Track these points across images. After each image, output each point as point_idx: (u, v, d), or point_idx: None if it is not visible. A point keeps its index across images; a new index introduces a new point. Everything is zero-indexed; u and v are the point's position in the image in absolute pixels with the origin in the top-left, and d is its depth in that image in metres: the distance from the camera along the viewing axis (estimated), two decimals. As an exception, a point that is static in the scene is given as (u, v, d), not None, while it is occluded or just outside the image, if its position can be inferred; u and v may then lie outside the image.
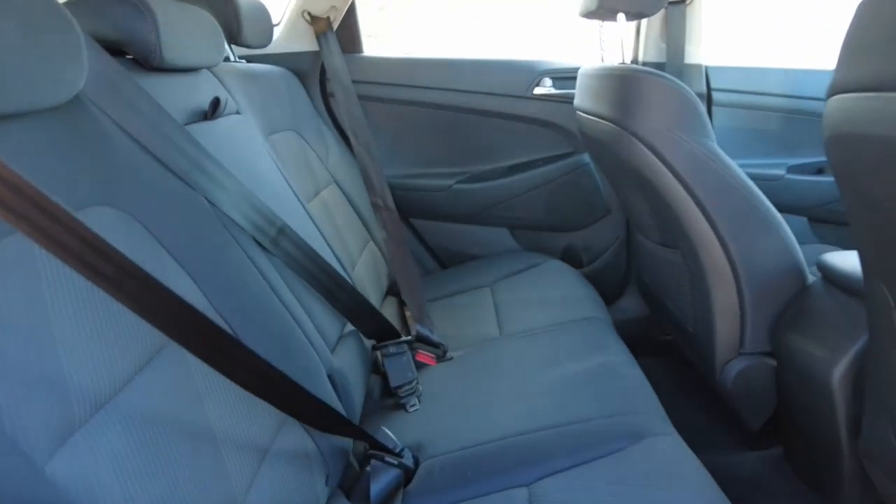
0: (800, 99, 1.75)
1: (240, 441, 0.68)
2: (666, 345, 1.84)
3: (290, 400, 0.71)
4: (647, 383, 1.02)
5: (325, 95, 1.73)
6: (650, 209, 1.29)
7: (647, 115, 1.11)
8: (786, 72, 1.80)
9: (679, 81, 1.11)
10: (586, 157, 1.74)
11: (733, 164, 1.12)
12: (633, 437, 0.87)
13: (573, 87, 1.49)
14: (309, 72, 1.70)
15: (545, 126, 1.74)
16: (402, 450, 0.91)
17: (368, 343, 1.13)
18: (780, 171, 1.71)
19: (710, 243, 1.14)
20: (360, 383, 1.03)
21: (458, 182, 1.78)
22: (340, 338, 1.02)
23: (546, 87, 1.70)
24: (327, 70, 1.49)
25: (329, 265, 1.00)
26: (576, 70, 1.41)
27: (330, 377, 0.89)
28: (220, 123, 0.98)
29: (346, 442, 0.87)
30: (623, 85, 1.13)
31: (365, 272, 1.41)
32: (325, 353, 0.90)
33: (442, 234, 1.86)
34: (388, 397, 1.12)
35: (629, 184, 1.30)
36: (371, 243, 1.55)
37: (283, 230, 0.91)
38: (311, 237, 1.08)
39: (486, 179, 1.78)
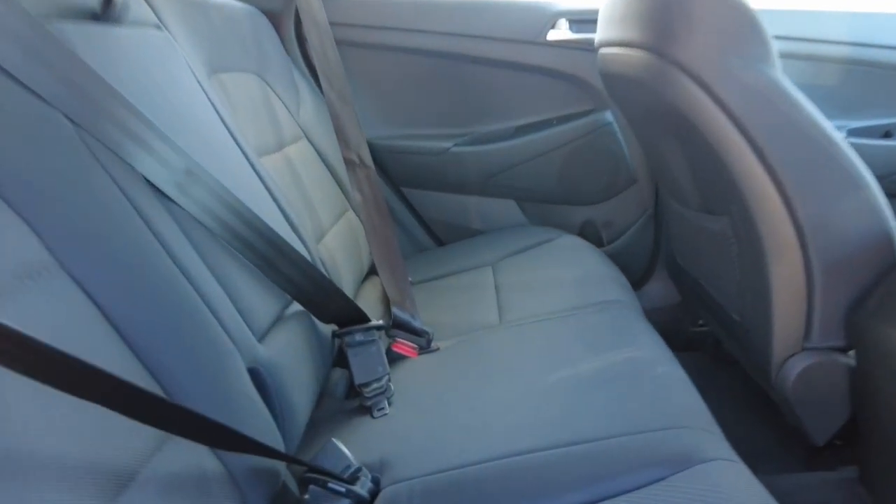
0: (864, 47, 1.47)
1: (88, 464, 0.44)
2: (700, 337, 1.57)
3: (157, 410, 0.47)
4: (691, 387, 0.77)
5: (302, 41, 1.48)
6: (690, 166, 1.02)
7: (692, 36, 0.85)
8: (846, 15, 1.52)
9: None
10: (609, 116, 1.48)
11: (805, 100, 0.86)
12: (677, 461, 0.62)
13: (594, 32, 1.23)
14: (282, 14, 1.45)
15: (561, 78, 1.47)
16: (357, 471, 0.67)
17: (327, 329, 0.89)
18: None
19: (771, 205, 0.88)
20: (307, 379, 0.78)
21: (456, 144, 1.52)
22: (278, 320, 0.77)
23: (562, 32, 1.43)
24: (299, 7, 1.25)
25: (268, 229, 0.75)
26: (597, 12, 1.15)
27: (253, 371, 0.65)
28: (122, 32, 0.73)
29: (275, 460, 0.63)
30: (657, 3, 0.87)
31: (338, 244, 1.16)
32: (245, 341, 0.66)
33: (438, 206, 1.61)
34: (354, 397, 0.87)
35: (665, 135, 1.04)
36: (350, 213, 1.31)
37: (193, 173, 0.66)
38: (254, 196, 0.84)
39: (490, 142, 1.52)
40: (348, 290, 1.13)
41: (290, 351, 0.75)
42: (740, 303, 1.05)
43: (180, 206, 0.65)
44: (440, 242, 1.64)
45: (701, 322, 1.59)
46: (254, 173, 0.89)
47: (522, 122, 1.53)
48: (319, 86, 1.44)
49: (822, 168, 0.87)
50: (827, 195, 0.88)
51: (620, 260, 1.58)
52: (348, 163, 1.11)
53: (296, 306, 0.81)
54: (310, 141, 1.28)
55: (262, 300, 0.74)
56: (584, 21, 1.43)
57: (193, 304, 0.61)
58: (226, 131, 0.88)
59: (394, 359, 0.95)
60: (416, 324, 0.98)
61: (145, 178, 0.62)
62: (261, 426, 0.63)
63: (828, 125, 0.86)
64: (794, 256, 0.90)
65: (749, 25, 0.84)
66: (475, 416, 0.77)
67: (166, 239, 0.62)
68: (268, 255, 0.74)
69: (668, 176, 1.18)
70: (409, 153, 1.54)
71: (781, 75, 0.86)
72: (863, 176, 0.87)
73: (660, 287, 1.61)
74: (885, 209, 0.88)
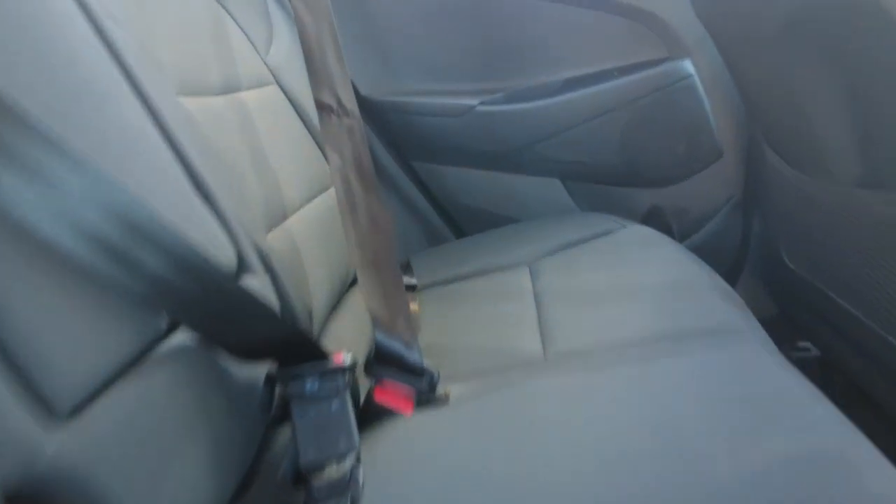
0: None
1: None
2: (804, 364, 1.19)
3: None
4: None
5: None
6: (862, 114, 0.64)
7: None
8: None
9: None
10: (689, 65, 1.09)
11: None
12: None
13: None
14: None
15: (624, 14, 1.09)
16: None
17: (255, 372, 0.53)
18: None
19: None
20: (195, 465, 0.43)
21: (484, 103, 1.16)
22: (142, 357, 0.42)
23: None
24: None
25: (128, 199, 0.40)
26: None
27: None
28: None
29: None
30: None
31: (308, 232, 0.81)
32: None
33: (459, 185, 1.24)
34: (300, 484, 0.52)
35: (818, 60, 0.66)
36: None
37: None
38: (132, 149, 0.49)
39: (528, 99, 1.15)
40: (321, 300, 0.78)
41: (145, 420, 0.39)
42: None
43: None
44: (462, 233, 1.28)
45: (801, 344, 1.20)
46: (144, 112, 0.53)
47: (571, 74, 1.15)
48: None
49: None
50: None
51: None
52: (322, 108, 0.74)
53: (182, 335, 0.46)
54: (282, 88, 0.93)
55: (88, 326, 0.38)
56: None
57: None
58: (98, 43, 0.53)
59: (375, 416, 0.59)
60: (412, 357, 0.61)
61: None
62: None
63: None
64: None
65: None
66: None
67: None
68: (112, 237, 0.39)
69: (799, 136, 0.80)
70: (420, 114, 1.18)
71: None
72: None
73: (746, 296, 1.23)
74: None
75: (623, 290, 0.78)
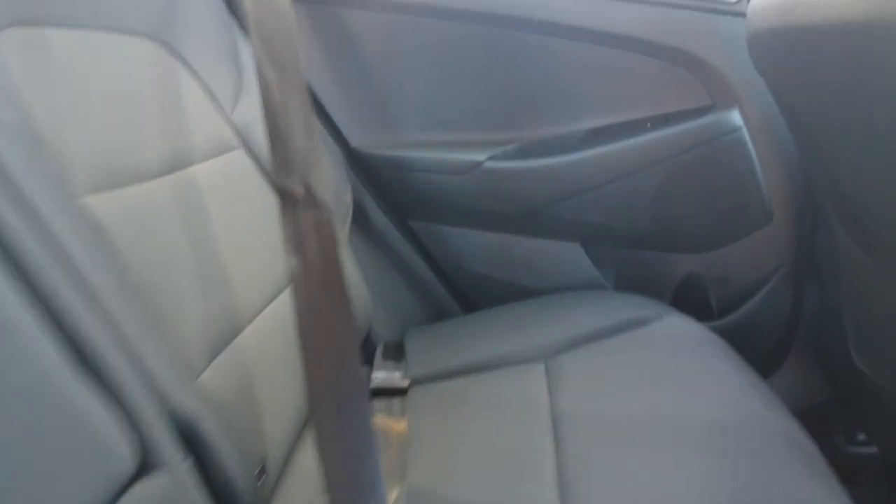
0: None
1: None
2: (863, 462, 1.02)
3: None
4: None
5: None
6: None
7: None
8: None
9: None
10: (736, 117, 0.93)
11: None
12: None
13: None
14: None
15: (661, 55, 0.93)
16: None
17: None
18: None
19: None
20: None
21: (494, 157, 0.99)
22: None
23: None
24: None
25: None
26: None
27: None
28: None
29: None
30: None
31: (274, 343, 0.65)
32: None
33: (466, 249, 1.08)
34: None
35: None
36: None
37: None
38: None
39: (545, 154, 0.98)
40: (281, 435, 0.62)
41: None
42: None
43: None
44: (469, 305, 1.11)
45: (860, 437, 1.03)
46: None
47: (596, 123, 0.99)
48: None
49: None
50: None
51: (738, 339, 1.04)
52: (283, 197, 0.58)
53: None
54: (250, 151, 0.77)
55: None
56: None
57: None
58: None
59: None
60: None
61: None
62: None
63: None
64: None
65: None
66: None
67: None
68: None
69: (870, 214, 0.63)
70: (420, 170, 1.02)
71: None
72: None
73: (794, 379, 1.06)
74: None
75: (664, 422, 0.62)
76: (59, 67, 0.53)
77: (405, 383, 0.81)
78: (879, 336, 0.78)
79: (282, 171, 0.59)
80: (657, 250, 1.04)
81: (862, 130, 0.56)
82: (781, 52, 0.64)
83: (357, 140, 1.02)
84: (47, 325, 0.37)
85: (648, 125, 0.95)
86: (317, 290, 0.55)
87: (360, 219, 1.03)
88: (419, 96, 1.00)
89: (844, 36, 0.48)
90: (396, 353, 0.91)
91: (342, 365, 0.53)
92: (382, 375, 0.83)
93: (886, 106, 0.48)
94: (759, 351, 1.06)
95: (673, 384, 0.70)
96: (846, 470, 0.99)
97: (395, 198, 1.05)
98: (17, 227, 0.39)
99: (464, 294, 1.10)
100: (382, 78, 1.00)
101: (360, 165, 1.03)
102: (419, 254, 1.08)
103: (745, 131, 0.93)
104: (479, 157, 0.99)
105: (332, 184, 0.90)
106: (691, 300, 1.04)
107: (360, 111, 1.02)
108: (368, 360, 0.90)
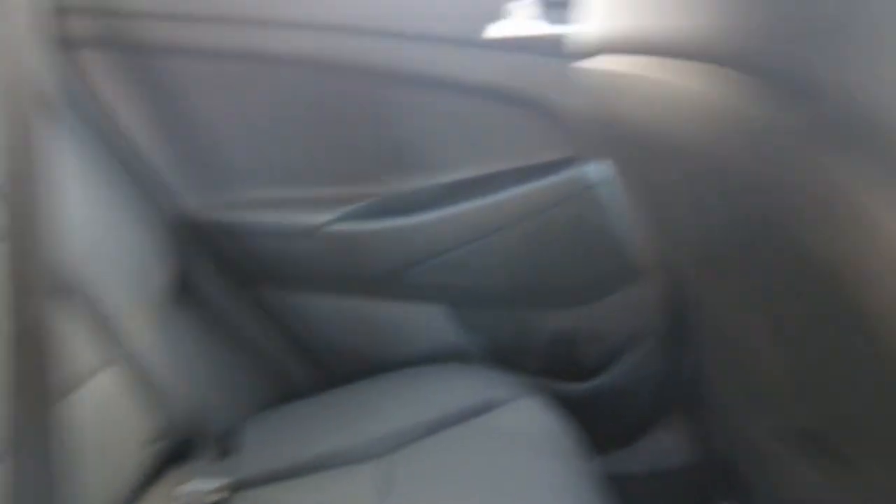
0: None
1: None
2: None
3: None
4: None
5: None
6: (813, 350, 0.42)
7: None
8: None
9: None
10: (596, 171, 0.87)
11: None
12: None
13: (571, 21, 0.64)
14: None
15: (515, 104, 0.85)
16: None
17: None
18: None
19: None
20: None
21: (342, 218, 0.88)
22: None
23: (518, 23, 0.82)
24: None
25: None
26: None
27: None
28: None
29: None
30: None
31: None
32: None
33: (321, 318, 0.97)
34: None
35: (763, 278, 0.43)
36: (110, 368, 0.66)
37: None
38: None
39: (399, 212, 0.89)
40: None
41: None
42: None
43: None
44: (329, 383, 0.99)
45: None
46: None
47: (456, 177, 0.90)
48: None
49: None
50: None
51: (613, 398, 1.00)
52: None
53: None
54: None
55: None
56: (553, 4, 0.82)
57: None
58: None
59: None
60: None
61: None
62: None
63: None
64: None
65: None
66: None
67: None
68: None
69: (726, 328, 0.58)
70: (260, 234, 0.89)
71: None
72: None
73: (670, 440, 1.02)
74: None
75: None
76: None
77: (219, 497, 0.69)
78: (748, 394, 0.74)
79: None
80: (526, 309, 0.97)
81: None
82: (610, 122, 0.58)
83: (190, 203, 0.89)
84: None
85: (510, 179, 0.88)
86: None
87: (189, 292, 0.89)
88: (258, 152, 0.89)
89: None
90: (228, 449, 0.79)
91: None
92: (195, 488, 0.70)
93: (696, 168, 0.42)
94: (635, 408, 1.01)
95: (500, 488, 0.63)
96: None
97: (231, 266, 0.92)
98: None
99: (316, 369, 0.99)
100: (216, 133, 0.88)
101: (193, 231, 0.89)
102: (267, 327, 0.95)
103: (606, 185, 0.87)
104: (327, 216, 0.88)
105: (140, 259, 0.77)
106: (562, 360, 0.98)
107: (193, 171, 0.89)
108: (193, 460, 0.77)
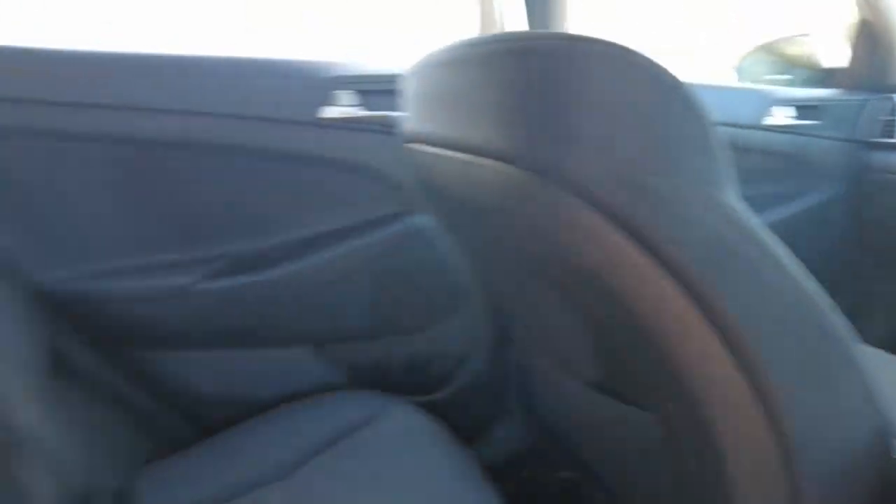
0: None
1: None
2: (572, 486, 1.22)
3: None
4: None
5: None
6: (587, 331, 0.64)
7: (601, 140, 0.46)
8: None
9: (653, 58, 0.47)
10: (419, 222, 1.07)
11: (772, 236, 0.53)
12: None
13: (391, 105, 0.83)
14: None
15: (349, 171, 1.03)
16: None
17: None
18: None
19: (737, 397, 0.54)
20: None
21: (204, 278, 1.00)
22: None
23: (346, 107, 1.00)
24: None
25: None
26: (393, 79, 0.75)
27: None
28: None
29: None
30: (533, 73, 0.47)
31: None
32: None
33: (188, 373, 1.05)
34: None
35: (542, 285, 0.64)
36: None
37: None
38: None
39: (259, 268, 1.02)
40: None
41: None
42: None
43: None
44: (209, 431, 1.08)
45: (563, 475, 1.24)
46: None
47: (303, 234, 1.05)
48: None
49: (813, 344, 0.53)
50: (819, 381, 0.55)
51: (462, 401, 1.18)
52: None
53: None
54: None
55: None
56: (376, 92, 1.01)
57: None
58: None
59: None
60: None
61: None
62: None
63: (802, 271, 0.53)
64: (774, 480, 0.56)
65: (688, 115, 0.48)
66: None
67: None
68: None
69: (536, 331, 0.79)
70: (117, 301, 0.97)
71: (737, 198, 0.51)
72: (853, 349, 0.56)
73: (514, 427, 1.23)
74: (874, 391, 0.58)
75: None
76: None
77: None
78: (549, 407, 0.96)
79: None
80: (380, 339, 1.13)
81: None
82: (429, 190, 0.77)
83: (43, 278, 0.94)
84: None
85: (350, 233, 1.05)
86: None
87: (63, 363, 0.95)
88: (111, 222, 0.96)
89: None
90: (125, 502, 0.85)
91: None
92: None
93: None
94: (480, 408, 1.21)
95: (394, 484, 0.78)
96: (562, 491, 1.19)
97: (99, 333, 0.99)
98: None
99: (197, 420, 1.07)
100: (61, 209, 0.94)
101: (52, 306, 0.94)
102: (138, 386, 1.02)
103: (433, 231, 1.07)
104: (186, 279, 0.98)
105: (8, 339, 0.82)
106: (419, 376, 1.15)
107: (42, 247, 0.94)
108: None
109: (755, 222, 0.49)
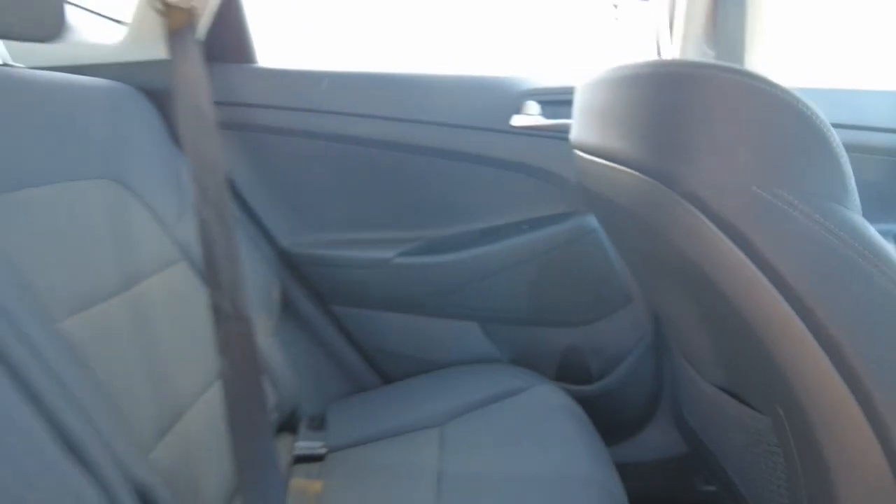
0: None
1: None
2: (711, 500, 1.22)
3: None
4: None
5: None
6: (711, 336, 0.69)
7: (718, 155, 0.53)
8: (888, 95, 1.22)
9: (781, 84, 0.53)
10: (592, 220, 1.16)
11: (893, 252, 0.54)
12: None
13: (568, 114, 0.93)
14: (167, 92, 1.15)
15: (531, 173, 1.16)
16: None
17: None
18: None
19: (845, 417, 0.55)
20: None
21: (401, 254, 1.20)
22: None
23: (531, 116, 1.12)
24: (175, 82, 0.94)
25: None
26: (572, 91, 0.85)
27: None
28: None
29: None
30: (663, 95, 0.55)
31: (209, 425, 0.82)
32: None
33: (382, 330, 1.27)
34: None
35: (671, 284, 0.71)
36: None
37: None
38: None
39: (445, 251, 1.20)
40: (215, 501, 0.78)
41: None
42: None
43: None
44: (386, 377, 1.29)
45: (705, 489, 1.24)
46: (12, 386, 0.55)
47: (485, 225, 1.20)
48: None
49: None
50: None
51: (614, 398, 1.24)
52: (216, 311, 0.77)
53: None
54: (191, 264, 0.95)
55: None
56: (558, 102, 1.12)
57: None
58: None
59: None
60: None
61: None
62: None
63: None
64: (881, 483, 0.57)
65: (814, 138, 0.52)
66: None
67: None
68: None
69: (676, 325, 0.84)
70: (339, 266, 1.21)
71: (861, 218, 0.54)
72: None
73: (661, 433, 1.26)
74: None
75: (516, 477, 0.81)
76: (35, 221, 0.70)
77: (323, 451, 0.98)
78: (692, 410, 0.99)
79: (214, 290, 0.78)
80: (541, 326, 1.24)
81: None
82: (588, 195, 0.86)
83: (286, 241, 1.21)
84: (44, 424, 0.54)
85: (525, 227, 1.17)
86: (239, 385, 0.73)
87: (289, 308, 1.21)
88: (339, 206, 1.21)
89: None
90: (319, 424, 1.08)
91: (259, 440, 0.70)
92: (304, 445, 0.99)
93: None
94: (630, 408, 1.26)
95: (529, 445, 0.89)
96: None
97: (319, 288, 1.24)
98: (16, 350, 0.55)
99: (381, 369, 1.28)
100: (307, 191, 1.21)
101: (289, 263, 1.21)
102: (341, 336, 1.26)
103: (600, 232, 1.15)
104: (389, 254, 1.19)
105: (261, 283, 1.08)
106: (573, 367, 1.24)
107: (289, 218, 1.21)
108: (294, 431, 1.06)
109: (873, 235, 0.52)
